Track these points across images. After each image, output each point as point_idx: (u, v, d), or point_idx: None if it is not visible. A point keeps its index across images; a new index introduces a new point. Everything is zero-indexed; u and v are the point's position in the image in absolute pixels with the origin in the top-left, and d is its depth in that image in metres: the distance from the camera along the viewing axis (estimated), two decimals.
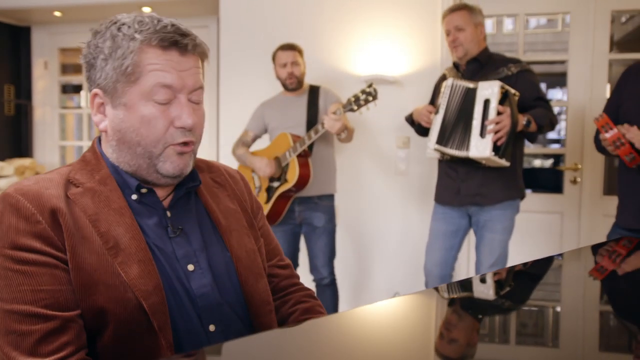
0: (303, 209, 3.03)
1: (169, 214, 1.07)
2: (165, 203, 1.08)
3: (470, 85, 2.54)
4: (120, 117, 1.00)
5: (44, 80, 4.76)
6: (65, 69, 4.97)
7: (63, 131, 5.51)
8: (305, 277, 3.21)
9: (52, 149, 4.78)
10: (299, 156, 2.91)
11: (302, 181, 2.91)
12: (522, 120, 2.49)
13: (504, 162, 2.48)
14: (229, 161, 3.61)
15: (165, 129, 1.00)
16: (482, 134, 2.47)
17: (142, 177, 1.04)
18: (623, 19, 6.04)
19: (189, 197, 1.12)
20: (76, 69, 4.96)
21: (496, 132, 2.42)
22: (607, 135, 2.21)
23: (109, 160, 1.05)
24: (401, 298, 1.08)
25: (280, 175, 2.98)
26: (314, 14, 3.58)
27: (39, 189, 0.96)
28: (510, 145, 2.47)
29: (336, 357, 0.79)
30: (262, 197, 3.06)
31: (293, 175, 2.89)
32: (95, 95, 1.01)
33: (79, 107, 5.33)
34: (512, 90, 2.49)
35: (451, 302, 1.09)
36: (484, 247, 2.70)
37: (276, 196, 2.97)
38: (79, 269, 0.93)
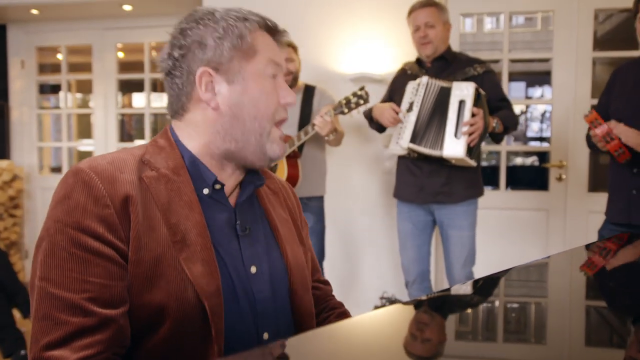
0: None
1: (237, 211, 1.04)
2: (232, 200, 1.05)
3: (444, 84, 2.54)
4: (239, 91, 1.01)
5: (21, 80, 4.64)
6: (43, 68, 4.86)
7: (40, 132, 5.39)
8: None
9: (30, 150, 4.67)
10: (288, 157, 2.86)
11: (290, 182, 2.86)
12: (492, 122, 2.55)
13: (472, 163, 2.53)
14: None
15: (276, 104, 1.04)
16: (457, 134, 2.49)
17: (243, 156, 1.03)
18: (601, 18, 6.13)
19: (252, 197, 1.11)
20: (54, 69, 4.86)
21: (470, 134, 2.45)
22: (597, 130, 2.22)
23: (187, 149, 1.02)
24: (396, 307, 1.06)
25: None
26: (299, 13, 3.55)
27: (113, 171, 0.92)
28: (480, 146, 2.53)
29: None
30: None
31: (281, 176, 2.85)
32: (204, 72, 1.00)
33: (57, 107, 5.21)
34: (483, 92, 2.52)
35: (441, 310, 1.07)
36: (454, 245, 2.71)
37: None
38: (141, 261, 0.89)
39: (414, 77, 2.70)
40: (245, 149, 1.03)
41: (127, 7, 4.12)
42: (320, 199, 3.07)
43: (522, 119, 10.37)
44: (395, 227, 3.42)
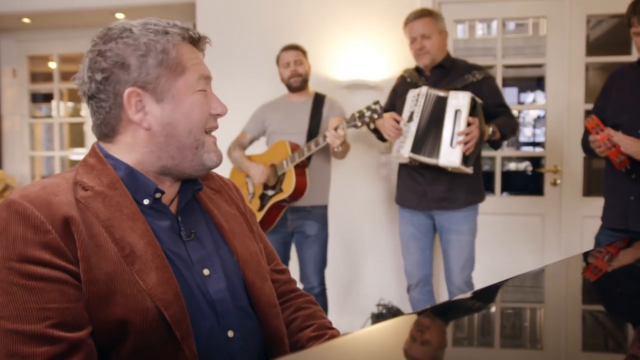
0: (295, 217, 2.96)
1: (179, 218, 1.05)
2: (172, 208, 1.06)
3: (441, 93, 2.54)
4: (170, 108, 0.99)
5: (13, 89, 4.61)
6: (35, 77, 4.83)
7: (32, 141, 5.35)
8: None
9: (22, 159, 4.63)
10: (296, 166, 2.82)
11: (298, 192, 2.83)
12: (488, 130, 2.56)
13: (469, 170, 2.55)
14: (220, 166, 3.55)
15: (207, 115, 1.04)
16: (452, 143, 2.51)
17: (181, 170, 1.03)
18: (591, 24, 6.18)
19: (192, 202, 1.11)
20: (46, 78, 4.83)
21: (466, 143, 2.47)
22: (599, 137, 2.23)
23: (122, 162, 1.00)
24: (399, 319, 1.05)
25: (275, 184, 2.90)
26: (292, 20, 3.55)
27: (47, 196, 0.90)
28: (476, 154, 2.55)
29: None
30: (255, 204, 2.98)
31: (289, 186, 2.81)
32: (132, 93, 0.97)
33: (49, 116, 5.17)
34: (480, 101, 2.54)
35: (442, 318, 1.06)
36: (453, 250, 2.72)
37: (270, 205, 2.90)
38: (94, 281, 0.87)
39: (414, 85, 2.71)
40: (183, 163, 1.02)
41: (120, 15, 4.11)
42: (323, 208, 3.04)
43: None
44: (393, 232, 3.42)
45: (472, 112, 2.49)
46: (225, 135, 3.11)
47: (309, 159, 2.87)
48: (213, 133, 1.08)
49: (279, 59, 3.01)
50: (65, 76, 4.91)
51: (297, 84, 2.96)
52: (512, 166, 7.60)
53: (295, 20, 3.54)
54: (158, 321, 0.89)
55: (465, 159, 2.51)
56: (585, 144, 2.41)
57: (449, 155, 2.52)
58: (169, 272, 0.94)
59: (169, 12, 3.99)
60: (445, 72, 2.71)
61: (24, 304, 0.83)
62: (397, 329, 0.91)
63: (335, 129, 2.65)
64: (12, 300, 0.83)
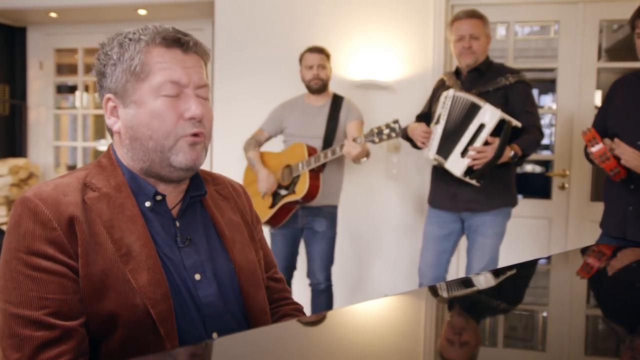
0: (306, 214, 3.04)
1: (178, 223, 1.10)
2: (174, 212, 1.11)
3: (477, 101, 2.55)
4: (131, 114, 1.05)
5: (39, 81, 4.77)
6: (61, 69, 4.99)
7: (57, 131, 5.53)
8: (302, 281, 3.24)
9: (46, 149, 4.80)
10: (311, 170, 2.89)
11: (310, 195, 2.90)
12: (509, 153, 2.55)
13: (474, 183, 2.58)
14: (223, 163, 3.65)
15: (175, 121, 1.04)
16: (463, 154, 2.56)
17: (156, 172, 1.07)
18: (615, 27, 6.12)
19: (195, 207, 1.16)
20: (71, 70, 4.99)
21: (475, 159, 2.51)
22: (593, 149, 2.25)
23: (125, 166, 1.09)
24: (391, 298, 1.12)
25: (289, 184, 2.98)
26: (307, 19, 3.62)
27: (57, 196, 0.99)
28: (486, 170, 2.54)
29: (323, 355, 0.82)
30: (267, 201, 3.06)
31: (302, 189, 2.88)
32: (108, 100, 1.07)
33: (74, 107, 5.34)
34: (514, 123, 2.52)
35: (440, 302, 1.13)
36: (475, 250, 2.75)
37: (281, 204, 2.98)
38: (90, 276, 0.97)
39: (448, 87, 2.74)
40: (153, 166, 1.06)
41: (142, 12, 4.23)
42: (334, 207, 3.11)
43: None
44: (401, 231, 3.48)
45: (497, 131, 2.50)
46: (245, 133, 3.21)
47: (324, 164, 2.93)
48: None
49: (303, 59, 3.06)
50: (90, 69, 5.06)
51: (318, 86, 3.02)
52: (528, 168, 7.56)
53: (310, 20, 3.61)
54: (145, 318, 0.98)
55: (471, 172, 2.56)
56: (587, 153, 2.43)
57: (455, 163, 2.58)
58: (160, 273, 1.01)
59: (189, 9, 4.08)
60: (480, 75, 2.73)
61: (27, 292, 0.94)
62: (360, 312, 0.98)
63: (354, 140, 2.71)
64: (17, 287, 0.94)
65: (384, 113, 3.41)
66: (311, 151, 2.92)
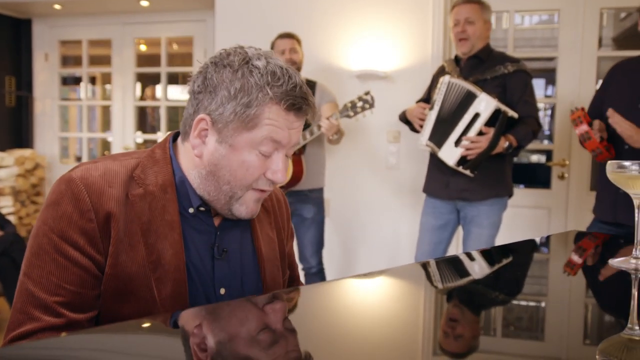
0: (293, 200, 3.08)
1: (218, 233, 1.09)
2: (216, 221, 1.10)
3: (472, 89, 2.54)
4: (222, 154, 1.01)
5: (45, 72, 4.82)
6: (66, 61, 5.03)
7: (66, 122, 5.60)
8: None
9: (52, 140, 4.86)
10: (292, 154, 2.91)
11: (295, 179, 2.95)
12: (504, 144, 2.53)
13: (467, 173, 2.57)
14: None
15: (258, 177, 1.03)
16: (457, 143, 2.55)
17: (214, 205, 1.05)
18: (622, 15, 6.04)
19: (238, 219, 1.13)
20: (76, 62, 5.03)
21: (468, 148, 2.50)
22: (577, 130, 2.26)
23: (179, 167, 1.07)
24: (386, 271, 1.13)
25: None
26: (307, 9, 3.63)
27: (102, 185, 0.98)
28: (479, 161, 2.54)
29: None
30: None
31: (287, 174, 2.91)
32: (202, 120, 1.01)
33: (79, 99, 5.39)
34: (509, 113, 2.50)
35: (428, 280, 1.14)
36: (471, 241, 2.75)
37: None
38: (116, 276, 0.97)
39: (447, 74, 2.73)
40: (215, 202, 1.05)
41: (145, 3, 4.25)
42: (320, 191, 3.16)
43: None
44: (398, 221, 3.48)
45: (492, 121, 2.49)
46: None
47: (304, 147, 2.97)
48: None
49: (274, 46, 3.10)
50: (96, 60, 5.11)
51: None
52: (535, 158, 7.51)
53: (310, 10, 3.61)
54: None
55: (464, 162, 2.56)
56: None
57: (448, 152, 2.58)
58: (184, 288, 1.01)
59: (190, 0, 4.10)
60: (479, 62, 2.71)
61: (48, 275, 0.94)
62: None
63: (328, 118, 2.74)
64: (41, 266, 0.95)
65: (383, 103, 3.42)
66: None
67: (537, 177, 5.13)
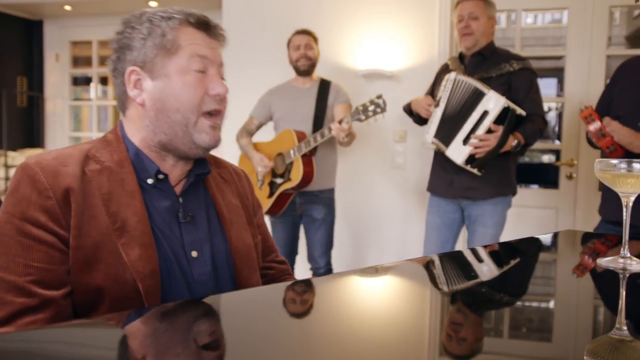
0: (303, 201, 3.07)
1: (181, 200, 1.13)
2: (177, 190, 1.14)
3: (480, 87, 2.52)
4: (161, 87, 1.08)
5: (56, 73, 4.88)
6: (76, 61, 5.09)
7: (79, 122, 5.65)
8: (304, 265, 3.28)
9: (62, 139, 4.91)
10: (303, 155, 2.90)
11: (306, 180, 2.92)
12: (512, 142, 2.52)
13: (475, 172, 2.55)
14: (230, 152, 3.69)
15: (201, 96, 1.10)
16: (465, 141, 2.53)
17: (176, 146, 1.11)
18: (636, 13, 5.97)
19: (198, 186, 1.19)
20: (87, 62, 5.08)
21: (477, 147, 2.49)
22: (590, 127, 2.24)
23: (131, 142, 1.11)
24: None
25: (283, 172, 3.00)
26: (313, 9, 3.63)
27: (57, 166, 1.01)
28: (488, 159, 2.52)
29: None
30: (264, 191, 3.09)
31: (297, 175, 2.90)
32: (132, 72, 1.09)
33: (90, 99, 5.44)
34: (518, 111, 2.48)
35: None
36: (476, 241, 2.73)
37: (279, 192, 3.01)
38: (81, 247, 0.98)
39: (451, 71, 2.71)
40: (175, 139, 1.10)
41: (153, 4, 4.28)
42: (330, 191, 3.14)
43: None
44: (405, 220, 3.47)
45: (501, 119, 2.47)
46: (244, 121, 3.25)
47: (315, 148, 2.95)
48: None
49: (290, 42, 3.07)
50: (104, 60, 5.16)
51: (305, 67, 3.02)
52: (546, 159, 7.45)
53: (316, 10, 3.62)
54: (132, 292, 0.99)
55: (472, 161, 2.54)
56: (587, 134, 2.41)
57: (456, 151, 2.56)
58: (152, 249, 1.03)
59: (196, 0, 4.12)
60: (484, 60, 2.68)
61: (14, 258, 0.95)
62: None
63: (340, 122, 2.72)
64: (6, 252, 0.96)
65: (390, 102, 3.38)
66: (300, 136, 2.93)
67: (545, 176, 5.10)
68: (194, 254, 1.10)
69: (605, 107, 2.36)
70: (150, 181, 1.09)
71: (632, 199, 1.08)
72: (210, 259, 1.12)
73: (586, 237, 1.71)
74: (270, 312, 0.90)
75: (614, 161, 1.03)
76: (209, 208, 1.18)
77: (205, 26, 1.12)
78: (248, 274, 1.18)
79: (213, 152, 1.21)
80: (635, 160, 1.01)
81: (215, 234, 1.16)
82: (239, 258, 1.17)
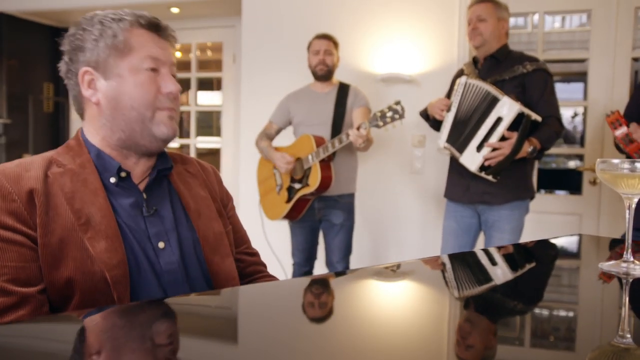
0: (323, 206, 3.06)
1: (144, 195, 1.16)
2: (141, 186, 1.17)
3: (494, 92, 2.49)
4: (114, 86, 1.12)
5: None
6: None
7: None
8: (323, 270, 3.27)
9: None
10: (321, 160, 2.90)
11: (324, 186, 2.91)
12: (528, 148, 2.48)
13: (490, 178, 2.52)
14: (250, 158, 3.70)
15: (154, 94, 1.14)
16: (479, 148, 2.49)
17: (135, 142, 1.14)
18: None
19: (162, 181, 1.22)
20: None
21: (490, 156, 2.46)
22: (617, 132, 2.19)
23: (92, 145, 1.15)
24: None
25: (302, 177, 2.99)
26: (332, 13, 3.63)
27: (19, 171, 1.05)
28: (502, 166, 2.48)
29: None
30: (282, 196, 3.09)
31: (315, 180, 2.89)
32: (85, 72, 1.13)
33: None
34: (533, 117, 2.44)
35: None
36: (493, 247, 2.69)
37: (297, 197, 3.00)
38: (48, 244, 1.02)
39: (466, 76, 2.69)
40: (134, 135, 1.14)
41: (175, 10, 4.34)
42: (350, 196, 3.11)
43: None
44: (424, 225, 3.44)
45: (515, 126, 2.43)
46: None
47: (333, 153, 2.93)
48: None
49: (310, 45, 3.08)
50: None
51: (322, 72, 3.02)
52: (572, 164, 7.32)
53: (334, 13, 3.62)
54: (101, 283, 1.03)
55: (486, 168, 2.50)
56: (615, 140, 2.36)
57: (470, 158, 2.53)
58: (118, 241, 1.06)
59: (218, 6, 4.16)
60: (497, 63, 2.66)
61: None
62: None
63: (358, 128, 2.70)
64: None
65: (409, 107, 3.36)
66: (319, 141, 2.92)
67: (568, 182, 5.00)
68: (161, 245, 1.14)
69: (635, 109, 2.30)
70: (112, 180, 1.13)
71: (635, 200, 1.04)
72: (177, 249, 1.15)
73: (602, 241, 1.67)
74: (269, 311, 0.89)
75: (616, 161, 0.99)
76: (175, 201, 1.21)
77: (156, 27, 1.16)
78: (219, 260, 1.21)
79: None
80: (637, 160, 0.97)
81: (182, 225, 1.19)
82: (208, 246, 1.20)
